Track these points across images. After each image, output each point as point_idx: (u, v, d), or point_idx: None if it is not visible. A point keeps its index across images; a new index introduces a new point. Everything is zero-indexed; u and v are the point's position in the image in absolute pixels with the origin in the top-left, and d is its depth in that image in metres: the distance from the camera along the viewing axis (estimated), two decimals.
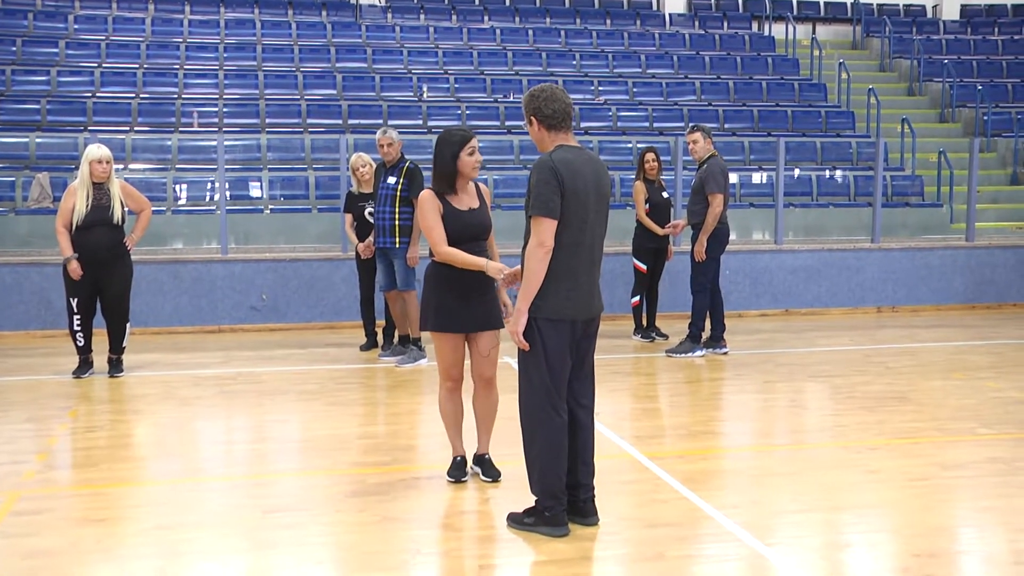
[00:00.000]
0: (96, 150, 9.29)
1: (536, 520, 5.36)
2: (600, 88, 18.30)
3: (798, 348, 11.36)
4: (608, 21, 21.33)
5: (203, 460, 7.39)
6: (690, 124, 16.64)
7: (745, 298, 13.68)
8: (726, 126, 17.71)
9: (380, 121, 16.27)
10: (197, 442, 7.87)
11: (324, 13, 20.10)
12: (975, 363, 10.47)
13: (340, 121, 16.37)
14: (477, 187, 6.10)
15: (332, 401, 8.72)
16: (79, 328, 9.48)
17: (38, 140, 14.73)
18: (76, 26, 18.46)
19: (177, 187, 14.52)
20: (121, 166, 14.54)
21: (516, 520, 5.46)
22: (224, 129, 15.86)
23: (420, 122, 16.52)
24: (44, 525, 5.72)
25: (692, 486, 6.25)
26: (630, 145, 16.27)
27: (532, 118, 5.31)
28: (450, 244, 5.85)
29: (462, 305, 5.94)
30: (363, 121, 16.28)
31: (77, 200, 9.18)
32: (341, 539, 5.41)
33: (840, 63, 19.50)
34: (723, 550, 5.27)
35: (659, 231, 11.29)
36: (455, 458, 6.28)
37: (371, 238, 10.24)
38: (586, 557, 5.21)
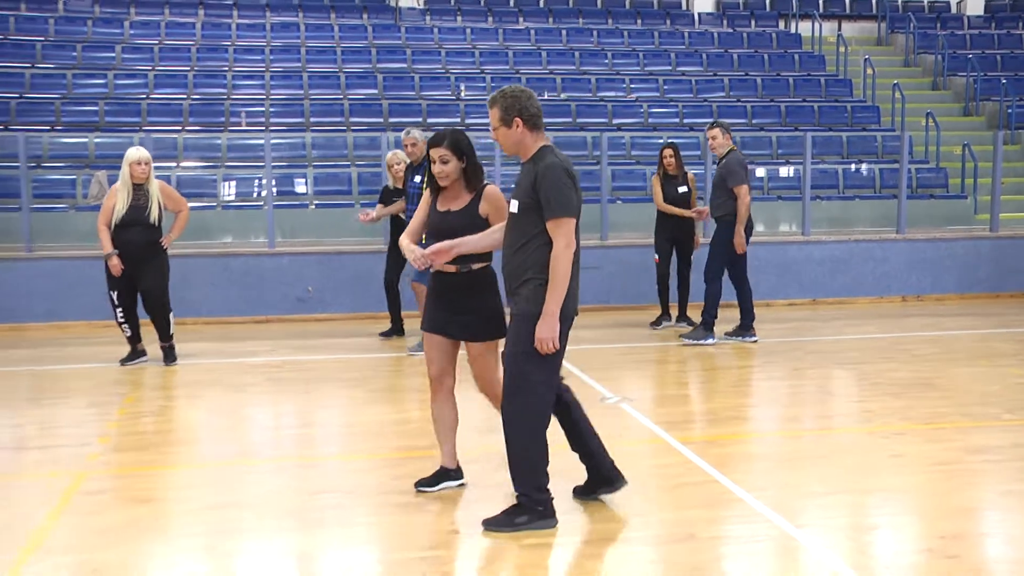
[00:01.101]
0: (135, 152, 9.37)
1: (531, 517, 5.18)
2: (631, 86, 18.23)
3: (826, 336, 11.29)
4: (639, 21, 21.24)
5: (252, 443, 7.46)
6: (709, 121, 16.67)
7: (773, 288, 13.60)
8: (754, 121, 17.59)
9: (419, 119, 16.32)
10: (246, 426, 7.94)
11: (365, 16, 20.14)
12: (999, 350, 10.37)
13: (381, 119, 16.41)
14: (482, 192, 5.52)
15: (375, 388, 8.76)
16: (123, 320, 9.56)
17: (96, 140, 14.86)
18: (131, 32, 18.61)
19: (226, 184, 14.61)
20: (173, 164, 14.70)
21: (501, 523, 5.20)
22: (271, 128, 15.95)
23: (458, 120, 16.52)
24: (107, 504, 5.82)
25: (722, 469, 6.23)
26: (661, 140, 16.13)
27: (517, 119, 5.03)
28: (427, 239, 5.62)
29: (439, 306, 5.63)
30: (403, 119, 16.29)
31: (117, 200, 9.26)
32: (384, 519, 5.44)
33: (865, 59, 19.31)
34: (752, 531, 5.25)
35: (686, 214, 11.23)
36: (439, 468, 5.91)
37: (374, 210, 10.60)
38: (619, 538, 5.21)
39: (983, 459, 6.51)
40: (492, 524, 5.19)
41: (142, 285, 9.50)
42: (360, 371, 9.46)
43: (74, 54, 17.52)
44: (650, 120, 17.22)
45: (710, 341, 10.52)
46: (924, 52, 21.33)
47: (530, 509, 5.19)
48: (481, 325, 5.53)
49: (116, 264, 9.26)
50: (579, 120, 16.96)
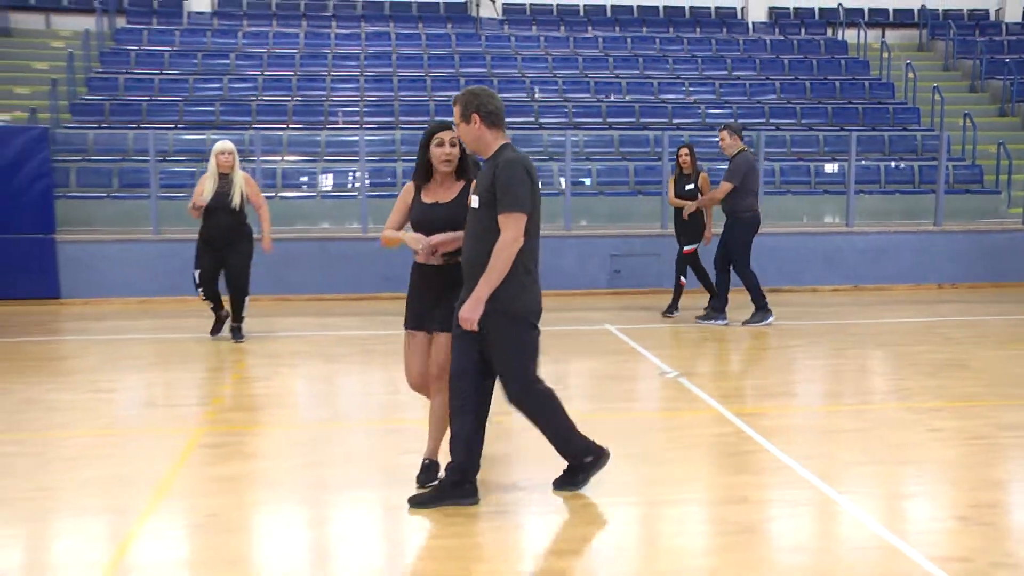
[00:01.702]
0: (220, 144, 9.35)
1: (585, 474, 5.18)
2: (690, 89, 18.00)
3: (866, 320, 11.07)
4: (697, 29, 20.96)
5: (346, 408, 7.53)
6: (761, 121, 16.41)
7: (819, 275, 13.41)
8: (803, 121, 17.28)
9: None
10: (340, 393, 8.01)
11: (449, 26, 20.14)
12: None
13: None
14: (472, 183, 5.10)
15: None
16: (205, 298, 9.53)
17: (213, 136, 15.01)
18: (244, 41, 18.82)
19: (324, 176, 14.74)
20: (278, 158, 14.86)
21: (566, 483, 5.16)
22: (364, 126, 16.04)
23: (532, 119, 16.45)
24: (221, 457, 5.93)
25: (771, 439, 6.15)
26: (714, 137, 15.97)
27: (474, 115, 4.74)
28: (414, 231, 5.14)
29: (424, 301, 5.15)
30: None
31: (205, 188, 9.27)
32: None
33: (907, 64, 18.84)
34: (799, 495, 5.18)
35: (688, 208, 10.76)
36: (425, 460, 5.37)
37: None
38: (679, 499, 5.17)
39: (1015, 435, 6.33)
40: (416, 502, 4.97)
41: (228, 266, 9.47)
42: None
43: (195, 61, 17.78)
44: (707, 120, 16.98)
45: (769, 319, 10.40)
46: (963, 57, 20.72)
47: (584, 468, 5.17)
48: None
49: (201, 201, 9.16)
50: (642, 120, 16.80)
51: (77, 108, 16.01)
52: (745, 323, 10.51)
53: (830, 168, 15.87)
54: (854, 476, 5.54)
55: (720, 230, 10.64)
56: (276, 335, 9.94)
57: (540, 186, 4.87)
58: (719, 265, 10.54)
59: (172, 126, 15.75)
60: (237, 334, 9.67)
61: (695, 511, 5.04)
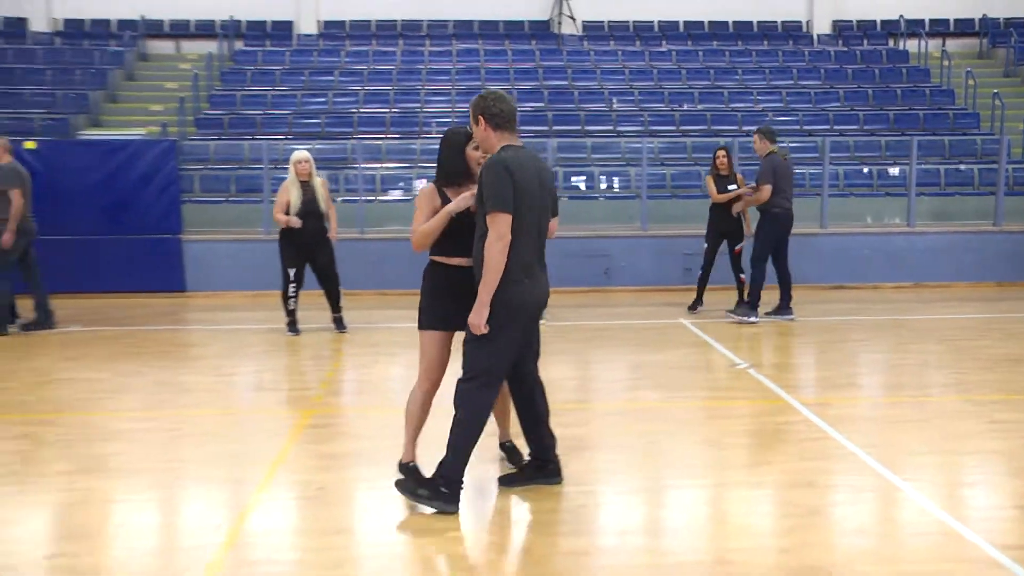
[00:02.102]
0: (297, 154, 9.36)
1: (432, 495, 4.65)
2: (758, 98, 17.71)
3: (927, 316, 10.77)
4: (765, 42, 20.60)
5: (438, 394, 7.57)
6: (826, 127, 16.05)
7: (882, 273, 13.09)
8: (865, 127, 16.87)
9: (578, 127, 16.27)
10: None
11: (533, 42, 20.14)
12: None
13: (546, 127, 16.39)
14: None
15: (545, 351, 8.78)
16: (293, 295, 9.47)
17: (318, 146, 15.32)
18: (346, 60, 19.10)
19: (419, 181, 14.87)
20: (377, 165, 15.05)
21: (406, 488, 4.77)
22: None
23: (611, 128, 16.38)
24: (327, 437, 6.04)
25: (837, 427, 6.05)
26: (784, 145, 15.71)
27: (480, 117, 4.56)
28: (441, 237, 4.79)
29: (455, 299, 4.77)
30: (564, 128, 16.29)
31: (291, 196, 9.22)
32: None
33: (967, 71, 18.24)
34: (863, 481, 5.09)
35: (737, 195, 10.47)
36: (410, 464, 5.04)
37: None
38: (750, 482, 5.12)
39: None
40: (401, 485, 4.78)
41: (317, 263, 9.49)
42: None
43: (303, 79, 18.11)
44: (776, 127, 16.70)
45: (752, 319, 10.07)
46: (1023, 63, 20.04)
47: (435, 488, 4.67)
48: None
49: (297, 221, 9.12)
50: (713, 127, 16.58)
51: (201, 122, 16.46)
52: (729, 312, 10.36)
53: (892, 171, 15.46)
54: (916, 464, 5.41)
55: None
56: (375, 326, 10.07)
57: (541, 186, 4.55)
58: (774, 264, 10.28)
59: (283, 137, 16.07)
60: (340, 324, 9.79)
61: (764, 494, 4.97)
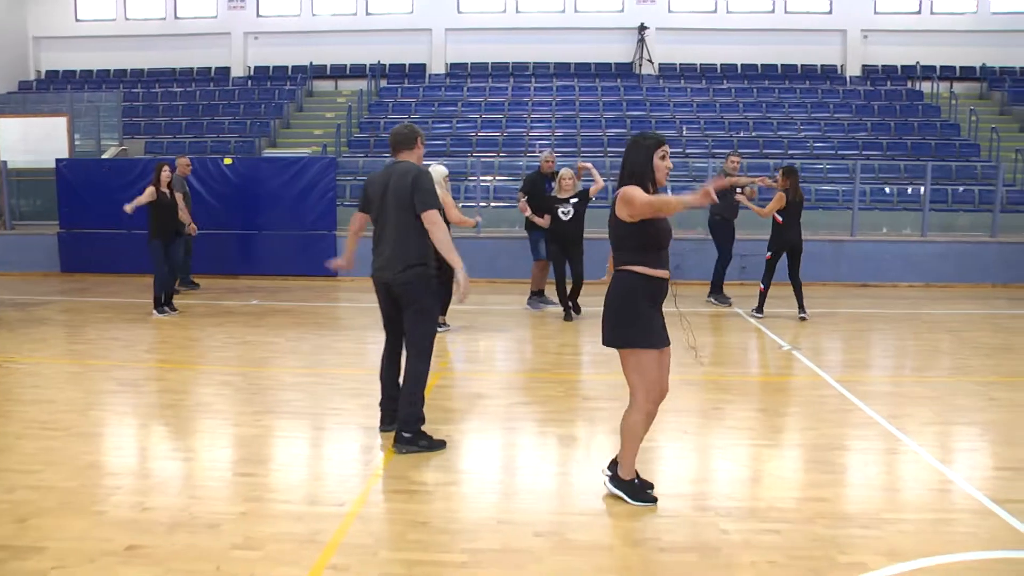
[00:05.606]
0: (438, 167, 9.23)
1: (429, 442, 4.71)
2: (801, 127, 17.10)
3: (936, 310, 10.25)
4: (807, 82, 19.84)
5: (537, 365, 7.54)
6: (855, 152, 15.34)
7: (899, 274, 12.52)
8: (888, 153, 16.14)
9: None
10: (530, 350, 8.01)
11: (618, 80, 19.83)
12: None
13: None
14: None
15: None
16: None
17: (444, 162, 15.43)
18: (468, 93, 19.15)
19: (522, 193, 14.76)
20: (491, 178, 15.03)
21: (410, 442, 4.68)
22: (554, 153, 15.92)
23: (680, 150, 15.97)
24: (454, 396, 6.03)
25: (865, 401, 5.83)
26: (820, 166, 15.26)
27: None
28: (646, 249, 3.79)
29: (658, 317, 3.83)
30: None
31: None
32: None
33: (971, 109, 17.29)
34: (886, 444, 4.92)
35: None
36: (641, 480, 4.08)
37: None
38: (791, 443, 4.98)
39: None
40: (400, 445, 4.68)
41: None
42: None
43: (432, 108, 18.24)
44: (814, 152, 16.14)
45: (726, 303, 9.99)
46: (1016, 104, 18.87)
47: (425, 435, 4.73)
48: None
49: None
50: (764, 151, 16.09)
51: (352, 143, 16.75)
52: (709, 300, 10.17)
53: (909, 190, 14.78)
54: (928, 432, 5.18)
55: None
56: (489, 308, 9.94)
57: (375, 191, 5.01)
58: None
59: None
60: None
61: (804, 453, 4.82)
